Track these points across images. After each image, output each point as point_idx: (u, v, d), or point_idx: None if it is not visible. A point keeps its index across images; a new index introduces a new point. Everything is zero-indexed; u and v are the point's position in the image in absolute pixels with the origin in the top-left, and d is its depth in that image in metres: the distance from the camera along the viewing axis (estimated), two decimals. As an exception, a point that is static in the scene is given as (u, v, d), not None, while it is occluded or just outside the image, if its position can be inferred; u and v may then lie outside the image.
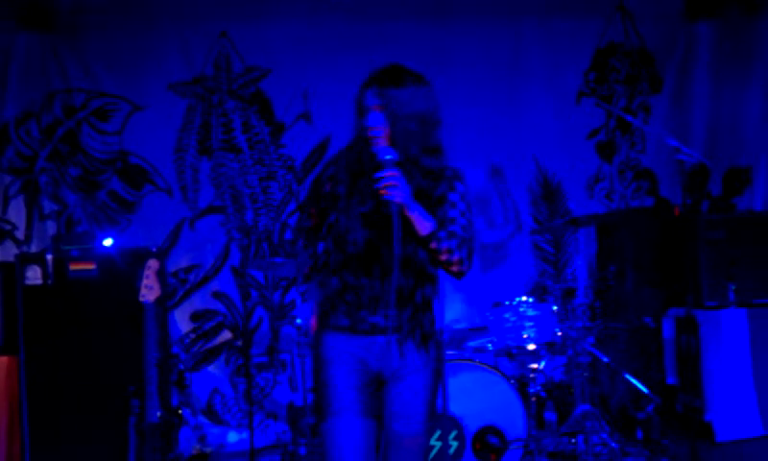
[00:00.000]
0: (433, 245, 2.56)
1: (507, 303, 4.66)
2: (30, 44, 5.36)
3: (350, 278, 2.59)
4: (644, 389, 4.65)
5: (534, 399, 4.50)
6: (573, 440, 4.49)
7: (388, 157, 2.49)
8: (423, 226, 2.54)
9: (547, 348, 4.63)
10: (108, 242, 4.71)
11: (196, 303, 5.49)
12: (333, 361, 2.62)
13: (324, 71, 5.48)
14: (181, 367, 5.25)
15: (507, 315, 4.63)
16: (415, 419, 2.62)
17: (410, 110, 2.56)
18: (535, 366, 4.58)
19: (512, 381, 4.49)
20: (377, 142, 2.56)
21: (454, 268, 2.60)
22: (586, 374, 4.58)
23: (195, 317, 5.49)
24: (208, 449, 5.16)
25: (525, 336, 4.57)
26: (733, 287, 4.97)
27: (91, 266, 4.58)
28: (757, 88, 5.86)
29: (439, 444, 4.16)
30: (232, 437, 5.36)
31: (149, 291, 3.83)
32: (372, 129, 2.57)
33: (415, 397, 2.62)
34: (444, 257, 2.57)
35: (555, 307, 4.66)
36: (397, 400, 2.62)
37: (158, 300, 3.87)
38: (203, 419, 5.36)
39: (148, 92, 5.47)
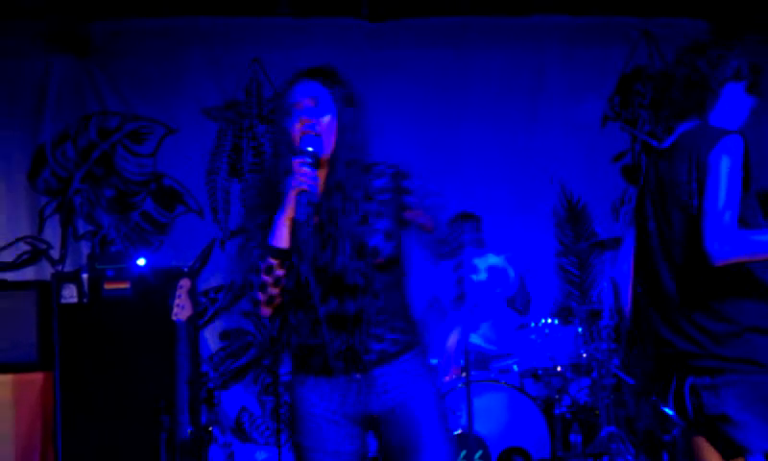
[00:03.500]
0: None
1: (532, 324, 4.70)
2: (66, 69, 5.51)
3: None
4: (670, 412, 4.65)
5: (559, 420, 4.52)
6: (598, 462, 4.50)
7: (309, 148, 2.27)
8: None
9: (573, 369, 4.65)
10: (141, 262, 4.81)
11: (225, 322, 5.58)
12: (304, 417, 2.38)
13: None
14: (210, 385, 5.33)
15: (532, 337, 4.66)
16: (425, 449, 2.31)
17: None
18: (560, 388, 4.61)
19: (537, 402, 4.52)
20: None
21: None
22: (611, 396, 4.59)
23: (224, 336, 5.57)
24: (237, 467, 5.23)
25: (550, 358, 4.60)
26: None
27: (125, 285, 4.68)
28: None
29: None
30: (260, 455, 5.42)
31: (181, 310, 3.91)
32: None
33: (416, 425, 2.31)
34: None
35: (580, 329, 4.68)
36: (395, 437, 2.33)
37: (190, 318, 3.95)
38: (231, 437, 5.42)
39: (180, 116, 5.60)
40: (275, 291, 2.30)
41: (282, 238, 2.27)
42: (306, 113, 2.33)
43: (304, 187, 2.23)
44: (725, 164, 2.35)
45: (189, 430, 3.91)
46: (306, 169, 2.24)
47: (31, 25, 5.38)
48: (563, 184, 5.85)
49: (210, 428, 4.16)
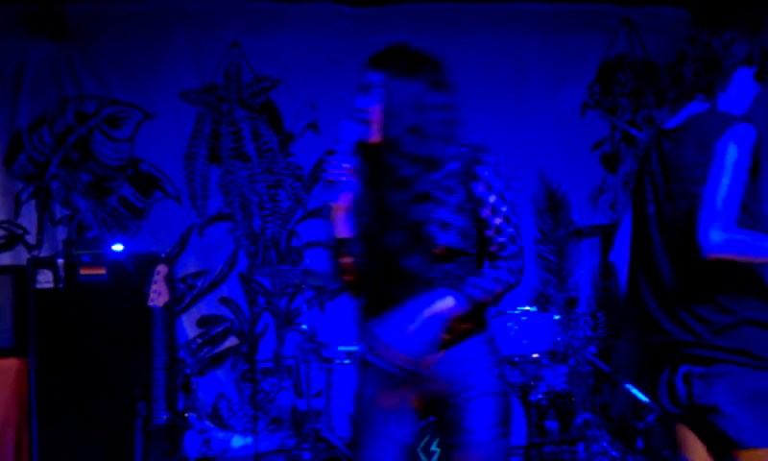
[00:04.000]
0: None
1: (509, 311, 4.71)
2: (43, 52, 5.44)
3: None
4: (645, 399, 4.69)
5: (535, 407, 4.55)
6: (574, 448, 4.54)
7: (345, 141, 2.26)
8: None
9: (549, 357, 4.68)
10: (118, 247, 4.79)
11: (203, 308, 5.56)
12: (357, 397, 2.40)
13: (334, 82, 5.55)
14: (188, 371, 5.32)
15: (509, 324, 4.68)
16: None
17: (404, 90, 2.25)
18: (537, 375, 4.64)
19: (514, 389, 4.54)
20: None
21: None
22: (587, 383, 4.62)
23: (202, 322, 5.56)
24: (213, 454, 5.22)
25: (527, 345, 4.62)
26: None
27: (101, 271, 4.66)
28: (763, 102, 5.89)
29: (440, 450, 4.20)
30: (237, 442, 5.42)
31: (157, 296, 3.90)
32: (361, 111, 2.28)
33: (468, 416, 2.28)
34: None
35: (557, 317, 4.71)
36: (447, 425, 2.32)
37: (167, 305, 3.94)
38: (208, 423, 5.42)
39: (159, 100, 5.54)
40: (349, 278, 2.37)
41: (338, 228, 2.32)
42: (359, 102, 2.30)
43: (329, 178, 2.24)
44: (731, 154, 2.28)
45: (165, 416, 3.91)
46: (332, 159, 2.25)
47: (7, 8, 5.32)
48: (543, 172, 5.87)
49: (187, 415, 4.15)
